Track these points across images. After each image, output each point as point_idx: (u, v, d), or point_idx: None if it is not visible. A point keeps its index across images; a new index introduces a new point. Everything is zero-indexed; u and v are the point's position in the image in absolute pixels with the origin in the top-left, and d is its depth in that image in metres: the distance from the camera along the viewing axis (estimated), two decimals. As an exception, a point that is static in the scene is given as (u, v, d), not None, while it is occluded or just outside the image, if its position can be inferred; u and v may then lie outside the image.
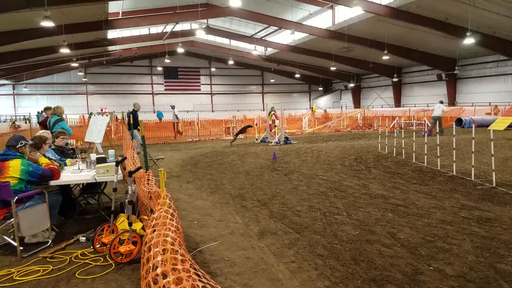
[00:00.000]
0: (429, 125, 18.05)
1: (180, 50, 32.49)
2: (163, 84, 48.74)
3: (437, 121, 16.62)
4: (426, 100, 41.46)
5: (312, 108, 41.32)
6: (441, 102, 19.08)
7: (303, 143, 15.68)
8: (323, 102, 54.31)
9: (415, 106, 37.30)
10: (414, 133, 10.24)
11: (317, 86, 56.06)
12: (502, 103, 30.14)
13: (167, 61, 36.31)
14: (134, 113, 12.48)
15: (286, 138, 15.97)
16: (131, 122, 11.73)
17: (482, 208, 5.28)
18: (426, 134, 15.08)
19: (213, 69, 50.31)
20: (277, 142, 15.48)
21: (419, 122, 18.52)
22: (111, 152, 5.74)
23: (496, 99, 33.17)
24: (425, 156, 9.19)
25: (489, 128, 17.52)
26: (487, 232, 4.26)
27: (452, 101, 38.16)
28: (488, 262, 3.47)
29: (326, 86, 57.11)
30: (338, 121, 26.43)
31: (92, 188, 5.60)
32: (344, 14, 29.02)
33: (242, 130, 16.47)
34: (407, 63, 40.26)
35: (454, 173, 7.80)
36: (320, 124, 25.44)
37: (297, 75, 47.33)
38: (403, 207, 5.47)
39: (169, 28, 30.99)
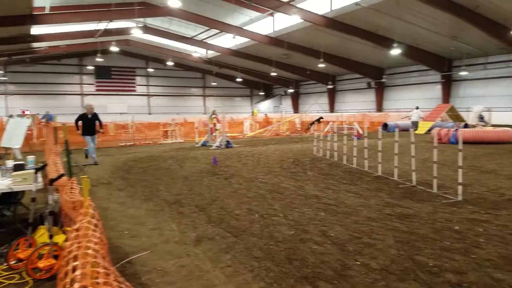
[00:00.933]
0: (360, 130, 19.18)
1: (114, 49, 30.98)
2: (94, 84, 46.05)
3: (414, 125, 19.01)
4: (357, 106, 44.04)
5: (253, 112, 41.88)
6: (417, 108, 21.12)
7: (245, 147, 15.79)
8: (265, 107, 55.34)
9: (347, 112, 39.51)
10: (345, 137, 10.83)
11: (258, 91, 56.95)
12: (423, 109, 32.99)
13: (99, 60, 34.37)
14: (83, 116, 11.04)
15: (228, 142, 15.95)
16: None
17: (403, 205, 5.72)
18: (355, 138, 15.99)
19: (150, 70, 48.61)
20: (218, 146, 15.41)
21: (350, 126, 19.63)
22: (30, 158, 5.26)
23: (418, 105, 36.21)
24: (354, 158, 9.77)
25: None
26: (407, 227, 4.62)
27: (379, 108, 41.03)
28: (408, 254, 3.76)
29: (267, 91, 58.27)
30: (278, 125, 27.06)
31: (8, 198, 5.06)
32: (284, 22, 29.84)
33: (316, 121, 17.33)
34: (340, 71, 42.51)
35: (380, 173, 8.37)
36: (261, 128, 25.84)
37: (239, 79, 47.67)
38: (334, 206, 5.74)
39: (102, 25, 29.48)
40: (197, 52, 37.46)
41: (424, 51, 32.47)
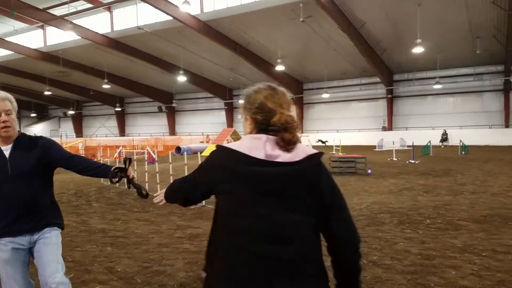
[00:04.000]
0: (153, 154, 19.07)
1: None
2: None
3: None
4: (150, 129, 43.97)
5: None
6: None
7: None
8: (38, 130, 47.88)
9: (139, 136, 38.87)
10: (135, 162, 10.44)
11: (29, 112, 48.84)
12: (212, 133, 36.03)
13: None
14: None
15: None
16: None
17: (193, 226, 5.85)
18: (148, 162, 15.76)
19: None
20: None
21: (142, 151, 19.26)
22: None
23: (208, 129, 39.34)
24: (147, 184, 9.50)
25: (202, 154, 20.34)
26: (196, 247, 4.69)
27: (172, 131, 42.29)
28: (196, 274, 3.79)
29: (40, 113, 50.75)
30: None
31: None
32: (58, 37, 26.97)
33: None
34: (129, 93, 41.66)
35: (172, 196, 8.39)
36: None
37: (1, 98, 39.64)
38: (123, 238, 5.30)
39: None
40: None
41: (208, 80, 35.75)
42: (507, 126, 28.13)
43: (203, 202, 7.51)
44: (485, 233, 5.02)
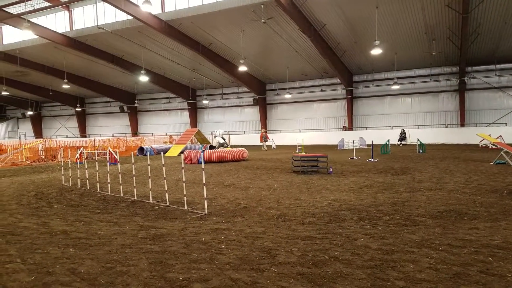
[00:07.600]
0: (115, 155, 18.66)
1: None
2: None
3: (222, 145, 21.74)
4: (111, 130, 42.82)
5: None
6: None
7: (-41, 185, 12.22)
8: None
9: (100, 136, 37.71)
10: (96, 163, 10.24)
11: (-17, 113, 46.28)
12: (175, 133, 35.61)
13: None
14: None
15: None
16: None
17: (157, 226, 5.86)
18: (110, 163, 15.44)
19: None
20: None
21: (103, 152, 18.74)
22: None
23: (171, 130, 38.86)
24: (109, 185, 9.36)
25: (166, 155, 20.10)
26: (160, 247, 4.73)
27: (134, 131, 41.39)
28: (160, 274, 3.84)
29: (-2, 114, 48.33)
30: (15, 153, 22.62)
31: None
32: (15, 36, 25.94)
33: None
34: (90, 93, 40.47)
35: (135, 197, 8.35)
36: (-12, 159, 20.81)
37: (-51, 98, 37.28)
38: (85, 239, 5.25)
39: None
40: None
41: (171, 80, 35.36)
42: (462, 125, 29.87)
43: (167, 202, 7.57)
44: (442, 228, 5.24)
